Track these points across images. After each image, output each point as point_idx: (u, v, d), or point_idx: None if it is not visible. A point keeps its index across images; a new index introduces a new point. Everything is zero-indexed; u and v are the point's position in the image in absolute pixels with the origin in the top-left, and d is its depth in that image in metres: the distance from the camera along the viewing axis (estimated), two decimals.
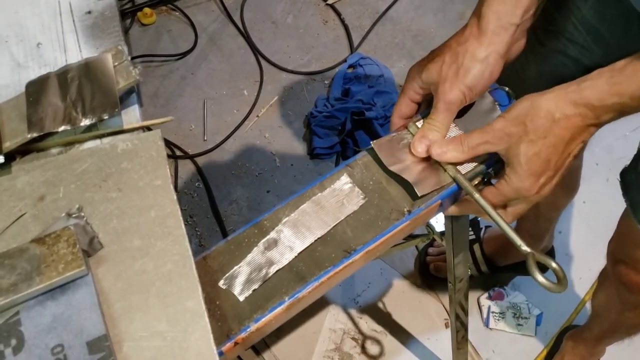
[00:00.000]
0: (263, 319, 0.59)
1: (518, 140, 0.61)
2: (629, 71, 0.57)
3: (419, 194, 0.66)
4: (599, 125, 0.61)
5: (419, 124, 0.70)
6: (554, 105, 0.60)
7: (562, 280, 0.62)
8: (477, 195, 0.65)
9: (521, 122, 0.61)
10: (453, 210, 0.71)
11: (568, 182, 1.25)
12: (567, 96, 0.60)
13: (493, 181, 0.69)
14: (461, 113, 0.73)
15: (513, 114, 0.62)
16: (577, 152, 0.64)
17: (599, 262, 1.08)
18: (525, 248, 0.64)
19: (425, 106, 0.73)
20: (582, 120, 0.60)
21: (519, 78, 0.90)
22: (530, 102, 0.61)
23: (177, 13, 2.10)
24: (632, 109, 0.58)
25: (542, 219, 1.36)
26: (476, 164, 0.68)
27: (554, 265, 0.63)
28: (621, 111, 0.59)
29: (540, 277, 0.63)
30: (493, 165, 0.68)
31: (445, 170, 0.67)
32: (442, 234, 0.93)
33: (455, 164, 0.67)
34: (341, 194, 0.67)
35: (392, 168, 0.67)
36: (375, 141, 0.69)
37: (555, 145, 0.61)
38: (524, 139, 0.61)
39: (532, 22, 0.69)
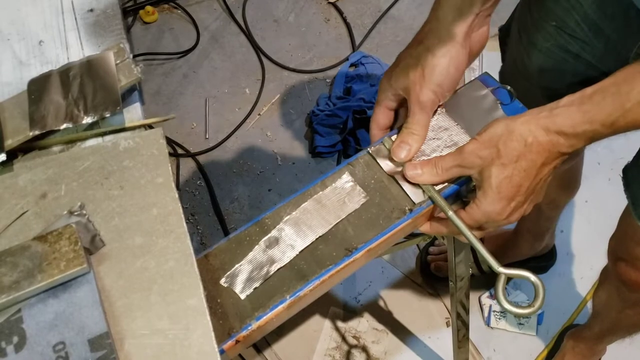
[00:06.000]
0: (264, 317, 0.60)
1: (490, 163, 0.61)
2: (598, 98, 0.57)
3: (415, 202, 0.66)
4: (571, 152, 0.60)
5: (394, 137, 0.70)
6: (527, 130, 0.59)
7: (539, 296, 0.61)
8: (450, 213, 0.64)
9: (494, 145, 0.60)
10: (426, 228, 0.70)
11: (568, 180, 1.25)
12: (539, 121, 0.59)
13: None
14: (463, 113, 0.73)
15: (486, 137, 0.61)
16: (548, 177, 0.63)
17: (601, 261, 1.08)
18: (499, 269, 0.63)
19: (404, 115, 0.73)
20: (554, 146, 0.59)
21: (521, 75, 0.90)
22: (504, 125, 0.60)
23: (179, 11, 2.10)
24: (603, 135, 0.58)
25: (542, 217, 1.36)
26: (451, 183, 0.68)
27: (535, 280, 0.61)
28: (592, 138, 0.58)
29: (505, 303, 0.62)
30: (466, 184, 0.68)
31: (421, 188, 0.67)
32: None
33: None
34: (342, 193, 0.67)
35: (389, 173, 0.68)
36: (371, 148, 0.70)
37: (527, 169, 0.60)
38: (495, 162, 0.60)
39: (492, 11, 0.69)
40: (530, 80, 0.88)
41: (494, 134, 0.61)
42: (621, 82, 0.56)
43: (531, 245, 1.47)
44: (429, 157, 0.69)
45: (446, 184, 0.67)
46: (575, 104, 0.58)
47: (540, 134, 0.59)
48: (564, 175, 1.21)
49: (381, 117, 0.72)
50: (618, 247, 0.97)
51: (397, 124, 0.74)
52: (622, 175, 0.84)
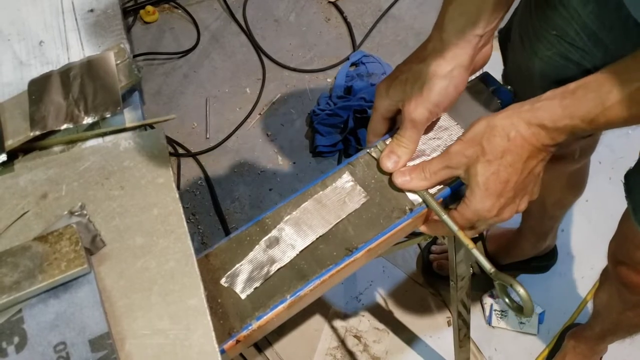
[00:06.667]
0: (265, 317, 0.60)
1: (475, 161, 0.61)
2: (580, 94, 0.57)
3: (415, 203, 0.66)
4: (555, 145, 0.61)
5: (388, 142, 0.70)
6: (509, 124, 0.60)
7: (526, 303, 0.61)
8: (445, 217, 0.65)
9: (478, 142, 0.61)
10: (423, 229, 0.70)
11: (575, 181, 1.25)
12: (520, 115, 0.59)
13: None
14: (464, 112, 0.72)
15: (469, 136, 0.62)
16: (539, 171, 0.63)
17: (601, 260, 1.08)
18: (492, 270, 0.63)
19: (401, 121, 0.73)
20: (537, 140, 0.59)
21: (524, 78, 0.89)
22: (486, 122, 0.61)
23: (179, 11, 2.10)
24: (584, 130, 0.58)
25: (547, 217, 1.36)
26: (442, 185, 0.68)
27: (519, 289, 0.61)
28: (573, 132, 0.58)
29: (507, 301, 0.64)
30: (463, 186, 0.68)
31: (415, 191, 0.67)
32: None
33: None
34: (343, 192, 0.67)
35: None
36: (371, 149, 0.70)
37: (512, 164, 0.60)
38: (480, 160, 0.61)
39: (496, 29, 0.68)
40: (534, 85, 0.87)
41: (477, 132, 0.61)
42: (603, 80, 0.56)
43: (533, 245, 1.46)
44: (429, 157, 0.69)
45: (441, 186, 0.67)
46: (557, 98, 0.58)
47: (522, 127, 0.59)
48: (571, 175, 1.21)
49: (378, 124, 0.72)
50: (618, 250, 0.97)
51: (396, 126, 0.74)
52: (623, 181, 0.84)
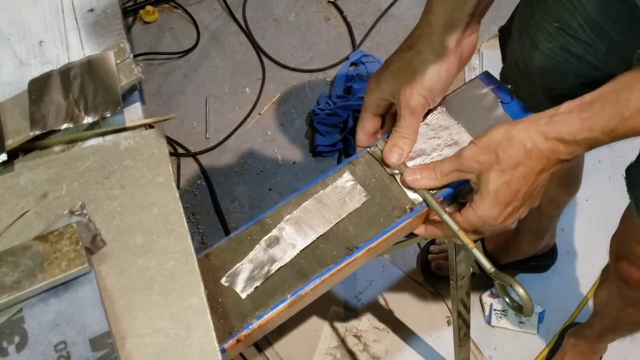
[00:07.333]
0: (265, 316, 0.60)
1: (489, 168, 0.61)
2: (597, 106, 0.56)
3: (415, 203, 0.66)
4: (570, 159, 0.60)
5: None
6: (526, 136, 0.59)
7: (525, 303, 0.61)
8: (445, 216, 0.64)
9: (493, 150, 0.60)
10: (421, 231, 0.70)
11: (569, 180, 1.25)
12: (538, 128, 0.59)
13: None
14: (464, 111, 0.73)
15: (485, 142, 0.61)
16: (546, 183, 0.63)
17: (601, 259, 1.08)
18: (492, 270, 0.63)
19: (390, 121, 0.73)
20: (553, 153, 0.59)
21: (523, 75, 0.89)
22: (504, 131, 0.60)
23: (179, 11, 2.10)
24: (603, 142, 0.58)
25: (543, 217, 1.36)
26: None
27: (518, 289, 0.61)
28: (592, 145, 0.58)
29: (507, 301, 0.64)
30: (461, 187, 0.68)
31: (415, 190, 0.67)
32: None
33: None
34: (343, 192, 0.67)
35: (390, 173, 0.68)
36: (371, 148, 0.70)
37: (525, 176, 0.60)
38: (494, 168, 0.60)
39: (482, 18, 0.68)
40: (532, 81, 0.87)
41: (493, 139, 0.61)
42: (620, 90, 0.55)
43: (532, 245, 1.47)
44: (430, 156, 0.69)
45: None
46: (574, 111, 0.57)
47: (540, 140, 0.59)
48: (565, 174, 1.21)
49: (368, 123, 0.72)
50: (620, 246, 0.97)
51: (385, 129, 0.74)
52: (625, 175, 0.84)
